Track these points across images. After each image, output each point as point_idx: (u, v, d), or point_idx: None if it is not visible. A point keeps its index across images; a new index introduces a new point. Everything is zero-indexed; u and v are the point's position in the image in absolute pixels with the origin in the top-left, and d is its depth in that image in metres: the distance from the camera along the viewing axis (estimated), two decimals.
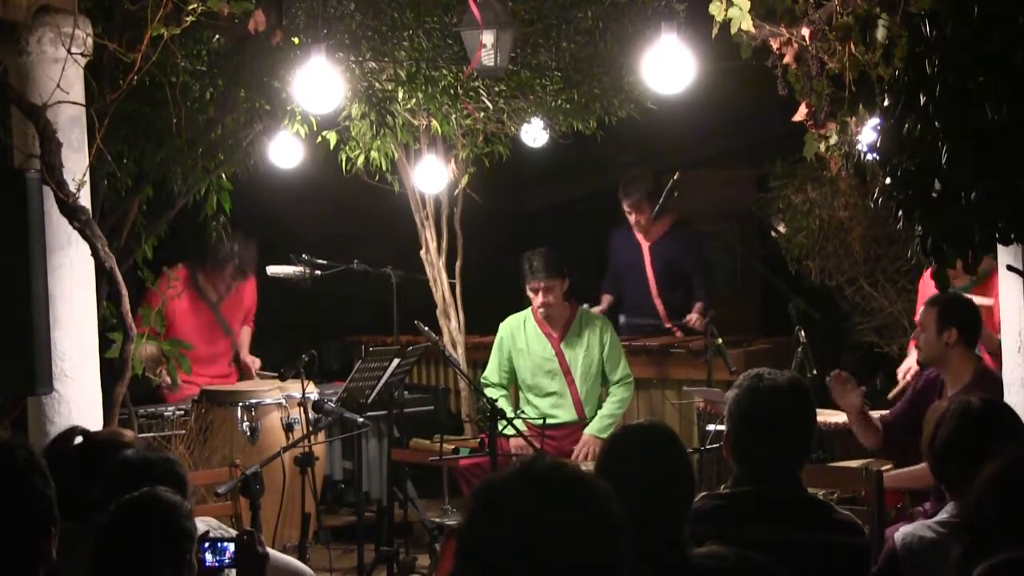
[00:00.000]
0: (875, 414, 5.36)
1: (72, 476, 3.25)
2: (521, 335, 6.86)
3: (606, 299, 7.95)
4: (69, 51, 4.71)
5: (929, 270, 4.63)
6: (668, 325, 7.69)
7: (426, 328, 6.07)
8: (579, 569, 1.89)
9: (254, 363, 7.51)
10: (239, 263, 7.23)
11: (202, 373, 7.17)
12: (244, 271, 7.29)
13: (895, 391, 5.86)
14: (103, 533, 2.89)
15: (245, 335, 7.64)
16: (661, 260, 7.84)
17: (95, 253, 4.88)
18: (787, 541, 3.17)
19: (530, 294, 6.81)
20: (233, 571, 3.17)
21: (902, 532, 3.45)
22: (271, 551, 3.28)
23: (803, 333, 6.03)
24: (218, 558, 3.12)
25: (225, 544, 3.13)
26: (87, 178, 4.86)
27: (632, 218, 7.79)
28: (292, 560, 3.62)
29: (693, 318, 7.63)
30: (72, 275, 4.92)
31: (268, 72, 5.46)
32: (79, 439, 3.60)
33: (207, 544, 3.10)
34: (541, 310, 6.77)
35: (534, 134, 7.04)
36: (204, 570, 3.07)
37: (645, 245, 7.87)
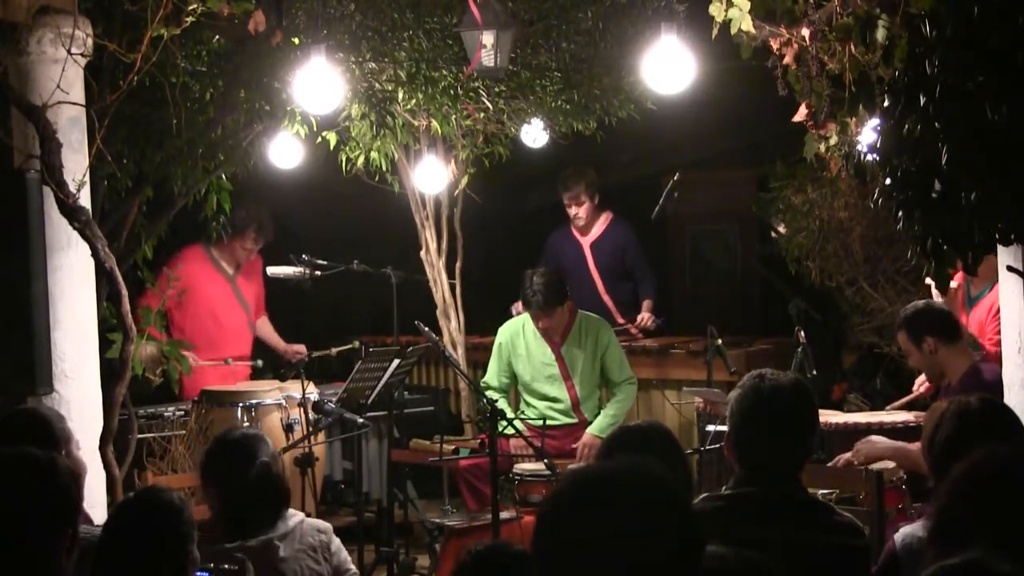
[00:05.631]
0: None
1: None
2: (520, 340, 6.82)
3: None
4: (69, 52, 4.71)
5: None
6: (621, 322, 7.71)
7: (426, 329, 6.06)
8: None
9: (301, 348, 7.56)
10: (258, 226, 7.28)
11: (223, 350, 7.24)
12: (264, 232, 7.34)
13: (901, 402, 5.87)
14: (103, 533, 2.90)
15: (268, 328, 7.71)
16: (602, 257, 7.90)
17: (95, 253, 4.88)
18: (787, 542, 3.17)
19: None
20: None
21: (902, 532, 3.44)
22: None
23: (803, 333, 6.03)
24: None
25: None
26: (87, 179, 4.87)
27: (572, 211, 7.85)
28: None
29: (645, 317, 7.69)
30: (72, 275, 4.93)
31: (268, 72, 5.47)
32: None
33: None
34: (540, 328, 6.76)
35: (534, 134, 7.04)
36: None
37: (585, 244, 7.91)
